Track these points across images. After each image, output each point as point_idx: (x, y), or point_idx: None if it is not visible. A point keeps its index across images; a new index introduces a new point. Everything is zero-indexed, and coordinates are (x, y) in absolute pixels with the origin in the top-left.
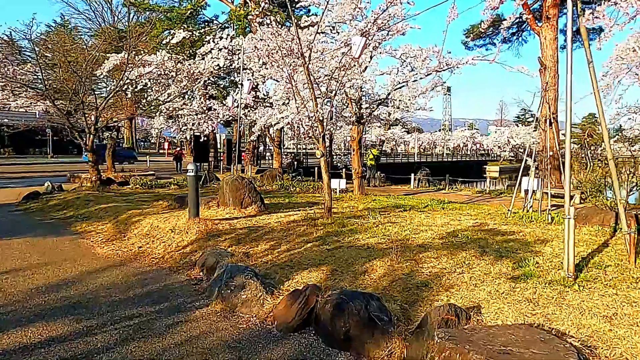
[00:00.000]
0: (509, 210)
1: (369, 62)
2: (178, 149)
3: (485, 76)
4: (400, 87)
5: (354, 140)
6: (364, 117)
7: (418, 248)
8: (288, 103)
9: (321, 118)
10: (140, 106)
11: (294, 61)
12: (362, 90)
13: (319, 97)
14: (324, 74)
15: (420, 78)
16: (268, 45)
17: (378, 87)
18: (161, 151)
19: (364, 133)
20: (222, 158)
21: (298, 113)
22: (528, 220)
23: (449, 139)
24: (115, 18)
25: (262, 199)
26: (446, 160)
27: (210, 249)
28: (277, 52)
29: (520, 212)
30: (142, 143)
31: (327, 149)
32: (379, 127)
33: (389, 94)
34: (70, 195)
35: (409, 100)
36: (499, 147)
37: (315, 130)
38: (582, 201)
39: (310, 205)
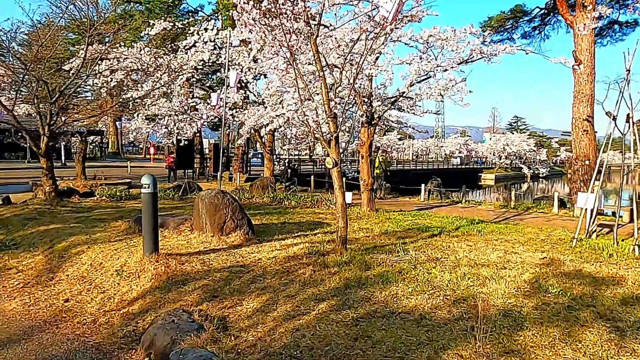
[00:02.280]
0: (574, 237)
1: (384, 47)
2: (172, 155)
3: (476, 83)
4: (425, 79)
5: (362, 145)
6: (375, 117)
7: (504, 320)
8: (282, 101)
9: (334, 113)
10: (116, 105)
11: (297, 30)
12: (373, 83)
13: (330, 90)
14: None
15: (452, 67)
16: (260, 3)
17: (395, 80)
18: (147, 156)
19: (373, 137)
20: (208, 164)
21: (300, 106)
22: (607, 254)
23: (442, 146)
24: (101, 18)
25: (250, 221)
26: (441, 167)
27: (166, 313)
28: (272, 19)
29: (586, 238)
30: (131, 148)
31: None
32: (375, 133)
33: (410, 85)
34: (11, 211)
35: (438, 93)
36: (494, 154)
37: (317, 130)
38: (632, 220)
39: (312, 227)
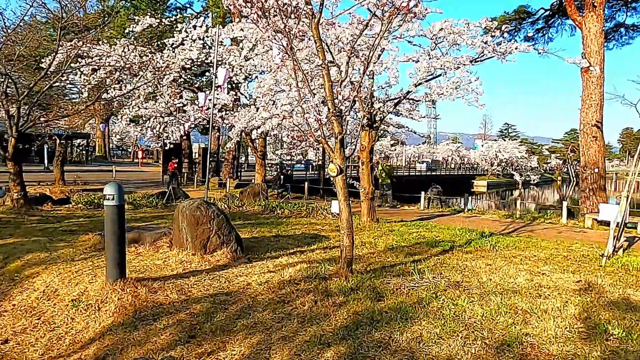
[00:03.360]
0: (602, 255)
1: (386, 42)
2: (175, 160)
3: None
4: (431, 78)
5: (363, 151)
6: (376, 119)
7: None
8: (275, 102)
9: (340, 110)
10: (92, 105)
11: (295, 8)
12: (375, 82)
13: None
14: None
15: (464, 64)
16: None
17: (397, 79)
18: (135, 160)
19: (375, 142)
20: (197, 169)
21: (300, 103)
22: None
23: (434, 152)
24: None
25: (239, 237)
26: (434, 174)
27: None
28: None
29: (613, 255)
30: (120, 152)
31: (320, 159)
32: (361, 137)
33: (417, 84)
34: None
35: (450, 93)
36: (486, 160)
37: (319, 131)
38: None
39: (308, 241)
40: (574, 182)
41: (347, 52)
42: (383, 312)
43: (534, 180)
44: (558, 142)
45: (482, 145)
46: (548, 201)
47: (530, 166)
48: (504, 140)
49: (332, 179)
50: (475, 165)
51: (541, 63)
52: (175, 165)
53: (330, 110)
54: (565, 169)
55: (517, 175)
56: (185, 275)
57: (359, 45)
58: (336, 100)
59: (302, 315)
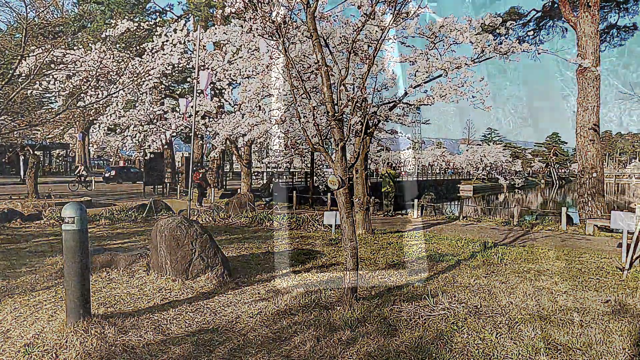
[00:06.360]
0: (621, 269)
1: (380, 40)
2: (201, 171)
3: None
4: (433, 79)
5: (357, 158)
6: (370, 125)
7: None
8: (261, 107)
9: (342, 113)
10: (75, 114)
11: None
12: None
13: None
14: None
15: (466, 64)
16: None
17: (394, 80)
18: None
19: (369, 149)
20: (181, 179)
21: (294, 104)
22: None
23: (419, 158)
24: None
25: (225, 259)
26: (420, 179)
27: None
28: None
29: (631, 267)
30: (101, 162)
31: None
32: (353, 144)
33: (416, 86)
34: None
35: (453, 95)
36: (471, 165)
37: (318, 137)
38: None
39: (302, 259)
40: (557, 185)
41: (347, 47)
42: (400, 353)
43: (518, 184)
44: (541, 146)
45: (467, 150)
46: (533, 205)
47: (515, 170)
48: (488, 144)
49: (334, 192)
50: (459, 170)
51: (521, 67)
52: (200, 176)
53: (330, 114)
54: (548, 172)
55: (502, 179)
56: (163, 307)
57: (357, 41)
58: (356, 92)
59: (303, 358)
